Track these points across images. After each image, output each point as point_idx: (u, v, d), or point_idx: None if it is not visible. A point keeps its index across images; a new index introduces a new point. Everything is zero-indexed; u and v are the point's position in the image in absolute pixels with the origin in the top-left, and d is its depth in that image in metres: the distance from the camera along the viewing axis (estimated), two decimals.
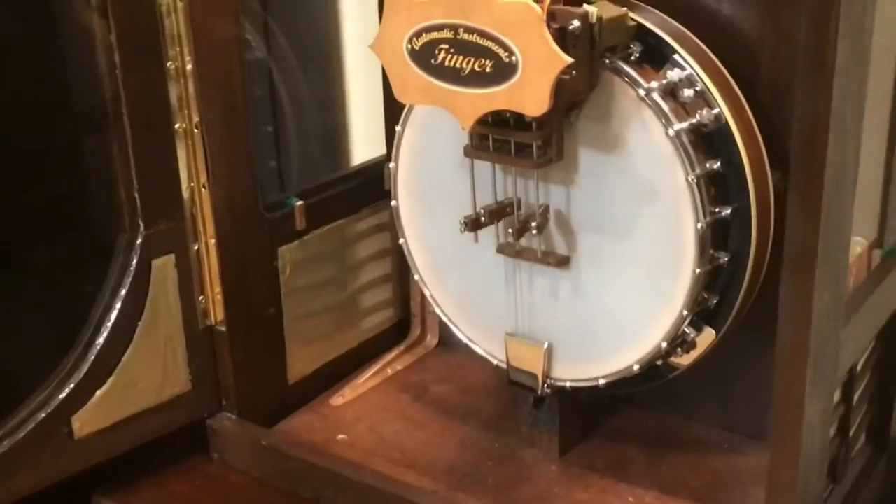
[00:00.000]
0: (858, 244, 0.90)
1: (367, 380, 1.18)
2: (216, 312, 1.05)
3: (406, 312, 1.25)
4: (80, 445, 0.98)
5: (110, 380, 0.98)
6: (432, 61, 0.85)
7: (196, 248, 1.03)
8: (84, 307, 0.99)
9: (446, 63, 0.84)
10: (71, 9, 0.96)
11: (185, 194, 1.01)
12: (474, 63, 0.83)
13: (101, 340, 0.97)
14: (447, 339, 1.23)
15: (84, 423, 0.97)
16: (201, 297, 1.04)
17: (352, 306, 1.19)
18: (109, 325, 0.98)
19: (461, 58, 0.84)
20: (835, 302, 0.75)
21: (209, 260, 1.03)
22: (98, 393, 0.98)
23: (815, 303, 0.70)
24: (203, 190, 1.01)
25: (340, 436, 1.09)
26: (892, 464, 1.00)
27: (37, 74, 1.01)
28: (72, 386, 0.96)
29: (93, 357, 0.97)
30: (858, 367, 0.90)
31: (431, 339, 1.25)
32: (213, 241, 1.03)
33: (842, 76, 0.67)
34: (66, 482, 0.98)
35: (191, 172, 1.00)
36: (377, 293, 1.22)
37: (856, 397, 0.91)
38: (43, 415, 0.95)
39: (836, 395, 0.86)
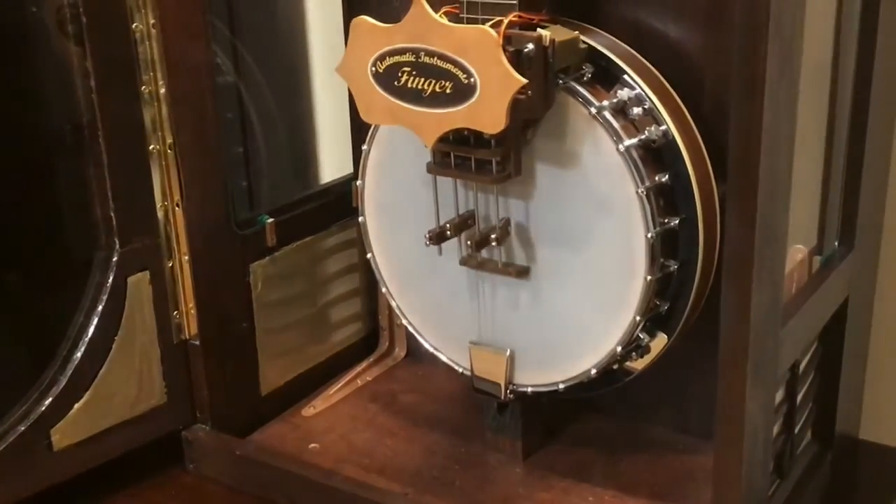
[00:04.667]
0: (799, 251, 0.95)
1: (337, 391, 1.22)
2: (190, 327, 1.09)
3: (374, 325, 1.29)
4: (59, 457, 1.01)
5: (88, 393, 1.02)
6: (395, 83, 0.90)
7: (170, 264, 1.06)
8: (58, 326, 1.02)
9: (409, 85, 0.89)
10: (48, 37, 1.00)
11: (160, 213, 1.05)
12: (435, 84, 0.88)
13: (78, 355, 1.01)
14: (414, 351, 1.27)
15: (63, 435, 1.01)
16: (175, 313, 1.08)
17: (322, 320, 1.24)
18: (87, 339, 1.01)
19: (423, 80, 0.88)
20: (773, 304, 0.80)
21: (183, 276, 1.07)
22: (76, 406, 1.01)
23: (753, 304, 0.75)
24: (177, 208, 1.05)
25: (312, 445, 1.13)
26: (837, 460, 1.05)
27: (14, 99, 1.04)
28: (51, 399, 1.00)
29: (71, 371, 1.01)
30: (801, 367, 0.95)
31: (399, 351, 1.29)
32: (186, 257, 1.06)
33: (772, 92, 0.72)
34: (44, 494, 1.01)
35: (165, 192, 1.04)
36: (346, 307, 1.26)
37: (800, 396, 0.96)
38: (22, 428, 0.98)
39: (781, 394, 0.91)
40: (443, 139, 0.91)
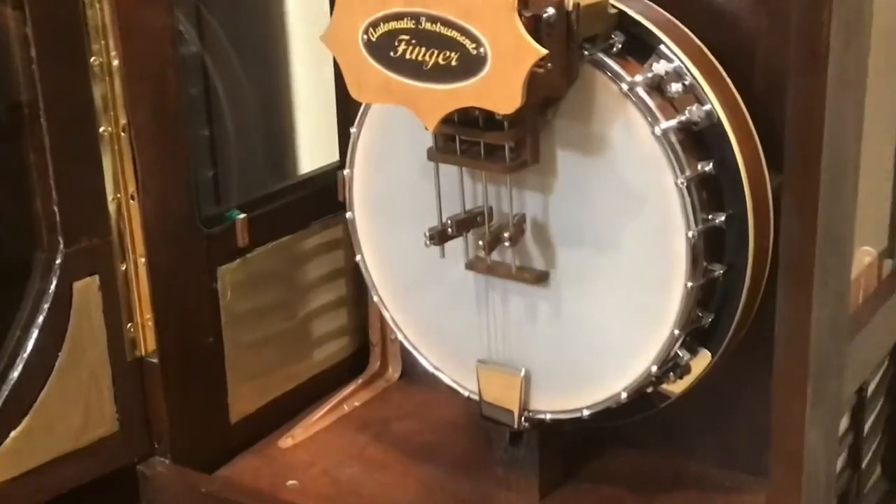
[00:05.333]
0: (867, 254, 0.96)
1: (320, 418, 1.23)
2: (147, 342, 1.09)
3: (364, 341, 1.30)
4: None
5: (25, 420, 1.02)
6: (391, 54, 0.90)
7: (124, 268, 1.07)
8: None
9: (407, 56, 0.89)
10: None
11: (111, 207, 1.05)
12: (438, 56, 0.88)
13: (14, 375, 1.01)
14: (411, 371, 1.28)
15: None
16: (130, 325, 1.08)
17: (302, 334, 1.24)
18: (25, 357, 1.02)
19: (423, 50, 0.89)
20: (837, 315, 0.81)
21: (139, 282, 1.08)
22: (12, 435, 1.01)
23: (814, 316, 0.76)
24: (131, 202, 1.06)
25: (290, 482, 1.13)
26: None
27: None
28: None
29: (6, 394, 1.01)
30: (870, 390, 0.95)
31: (393, 371, 1.29)
32: (143, 260, 1.07)
33: (837, 65, 0.72)
34: None
35: (117, 182, 1.05)
36: (331, 319, 1.27)
37: (868, 424, 0.97)
38: None
39: (845, 422, 0.92)
40: (447, 120, 0.91)
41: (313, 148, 1.40)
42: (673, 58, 0.92)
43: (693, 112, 0.91)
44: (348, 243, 1.12)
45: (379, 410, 1.24)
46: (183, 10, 1.25)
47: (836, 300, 0.80)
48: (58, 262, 1.03)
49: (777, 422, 0.79)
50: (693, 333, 0.97)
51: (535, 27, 0.86)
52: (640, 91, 0.90)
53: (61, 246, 1.03)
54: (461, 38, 0.87)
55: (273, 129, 1.42)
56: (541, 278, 0.98)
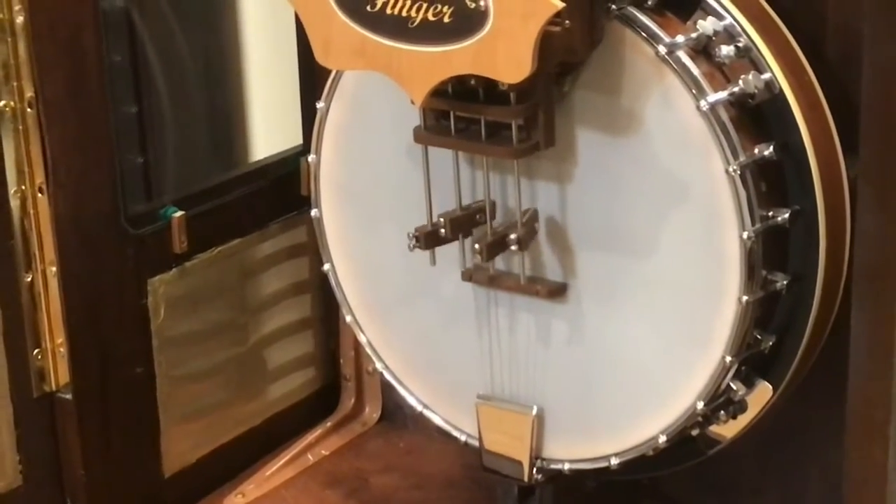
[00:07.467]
0: None
1: (278, 470, 1.24)
2: (58, 373, 1.10)
3: (334, 373, 1.31)
4: None
5: None
6: (368, 8, 0.91)
7: (29, 279, 1.08)
8: None
9: (388, 10, 0.90)
10: None
11: (14, 202, 1.06)
12: (427, 10, 0.89)
13: None
14: (394, 411, 1.29)
15: None
16: (37, 351, 1.09)
17: (255, 365, 1.25)
18: None
19: (409, 2, 0.89)
20: None
21: (48, 297, 1.08)
22: None
23: None
24: (39, 195, 1.06)
25: None
26: None
27: None
28: None
29: None
30: None
31: (371, 412, 1.30)
32: (53, 269, 1.08)
33: None
34: None
35: (21, 170, 1.06)
36: (292, 345, 1.28)
37: None
38: None
39: None
40: (438, 92, 0.92)
41: (270, 128, 1.41)
42: (723, 13, 0.93)
43: (749, 82, 0.92)
44: (314, 249, 1.13)
45: (353, 461, 1.25)
46: None
47: None
48: None
49: (851, 473, 0.80)
50: (749, 361, 0.98)
51: None
52: (682, 55, 0.91)
53: None
54: None
55: (219, 106, 1.42)
56: (557, 292, 0.99)
